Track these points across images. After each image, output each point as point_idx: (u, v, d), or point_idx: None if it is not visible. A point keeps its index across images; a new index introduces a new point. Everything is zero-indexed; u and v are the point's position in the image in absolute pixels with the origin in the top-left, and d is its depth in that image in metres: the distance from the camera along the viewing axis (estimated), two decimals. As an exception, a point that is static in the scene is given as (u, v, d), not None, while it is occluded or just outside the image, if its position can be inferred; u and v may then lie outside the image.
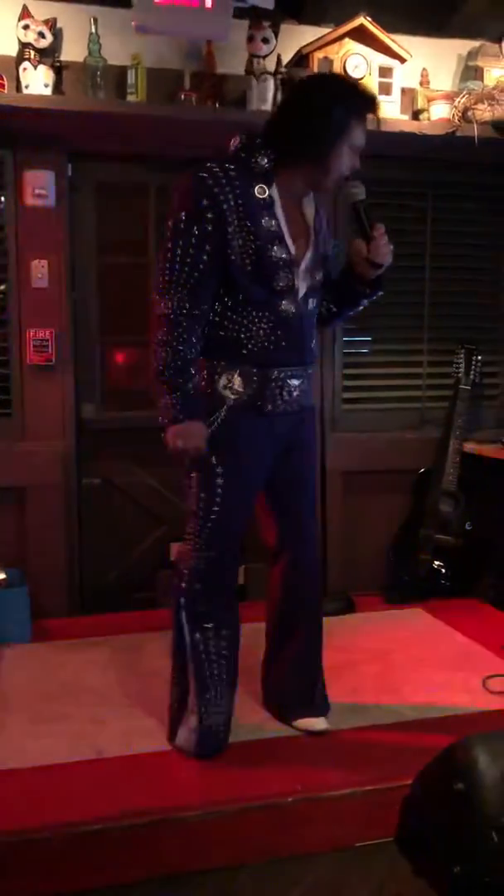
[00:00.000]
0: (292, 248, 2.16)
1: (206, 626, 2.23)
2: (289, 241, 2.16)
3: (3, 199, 3.27)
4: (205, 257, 2.06)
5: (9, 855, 1.91)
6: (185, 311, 2.06)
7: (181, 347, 2.06)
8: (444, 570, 3.59)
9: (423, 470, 3.69)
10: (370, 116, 2.18)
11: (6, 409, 3.35)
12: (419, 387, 3.84)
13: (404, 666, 2.87)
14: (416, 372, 3.84)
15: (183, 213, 2.06)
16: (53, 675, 2.80)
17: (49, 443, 3.36)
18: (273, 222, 2.13)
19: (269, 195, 2.13)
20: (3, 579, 3.13)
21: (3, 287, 3.31)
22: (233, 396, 2.18)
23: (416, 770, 2.08)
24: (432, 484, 3.62)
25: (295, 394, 2.26)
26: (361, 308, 2.47)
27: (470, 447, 3.59)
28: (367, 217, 2.24)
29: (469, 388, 3.61)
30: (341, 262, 2.37)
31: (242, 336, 2.17)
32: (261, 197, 2.11)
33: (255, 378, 2.18)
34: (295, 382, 2.26)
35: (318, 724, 2.40)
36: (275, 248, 2.12)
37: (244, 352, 2.17)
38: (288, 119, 2.14)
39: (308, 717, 2.41)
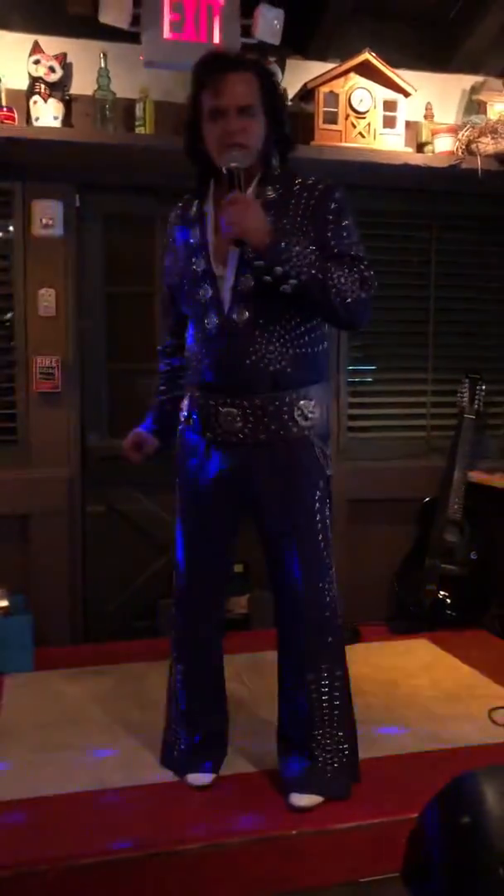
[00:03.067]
0: (212, 259, 2.05)
1: (174, 653, 2.29)
2: (211, 251, 2.06)
3: (11, 228, 3.30)
4: (165, 289, 2.28)
5: (5, 888, 1.88)
6: (162, 346, 2.38)
7: (159, 383, 2.39)
8: (449, 600, 3.56)
9: (428, 499, 3.68)
10: (217, 81, 1.98)
11: (12, 436, 3.36)
12: (424, 416, 3.85)
13: (410, 697, 2.84)
14: (420, 401, 3.84)
15: None
16: (55, 704, 2.78)
17: (54, 470, 3.36)
18: (197, 235, 2.09)
19: (202, 209, 2.11)
20: (6, 607, 3.11)
21: (10, 315, 3.34)
22: (182, 421, 2.22)
23: (422, 803, 2.06)
24: (437, 513, 3.61)
25: (237, 425, 2.06)
26: (295, 291, 1.97)
27: (475, 476, 3.58)
28: (236, 185, 1.96)
29: (473, 417, 3.62)
30: None
31: (189, 357, 2.19)
32: (192, 213, 2.14)
33: (195, 403, 2.14)
34: (230, 411, 2.05)
35: (297, 799, 2.11)
36: (194, 259, 2.09)
37: (190, 375, 2.20)
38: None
39: (292, 792, 2.13)
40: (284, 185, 2.06)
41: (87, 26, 3.12)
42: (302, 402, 2.08)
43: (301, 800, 2.11)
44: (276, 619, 2.23)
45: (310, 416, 2.10)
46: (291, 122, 3.25)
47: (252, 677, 2.62)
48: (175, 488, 2.28)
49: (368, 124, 3.33)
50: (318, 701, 2.13)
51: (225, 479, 2.12)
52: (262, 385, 2.04)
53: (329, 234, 2.01)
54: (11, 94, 3.11)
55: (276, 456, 2.09)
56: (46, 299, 3.31)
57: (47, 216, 3.28)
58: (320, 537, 2.13)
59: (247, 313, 2.02)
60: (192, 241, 2.12)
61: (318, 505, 2.12)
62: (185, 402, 2.20)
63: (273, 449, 2.08)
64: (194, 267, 2.09)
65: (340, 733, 2.16)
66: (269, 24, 3.09)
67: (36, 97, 3.06)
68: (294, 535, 2.11)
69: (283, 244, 1.92)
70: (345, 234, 2.03)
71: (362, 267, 2.01)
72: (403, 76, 3.34)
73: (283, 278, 1.93)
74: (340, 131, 3.31)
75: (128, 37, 3.07)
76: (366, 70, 3.29)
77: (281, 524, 2.12)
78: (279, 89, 2.14)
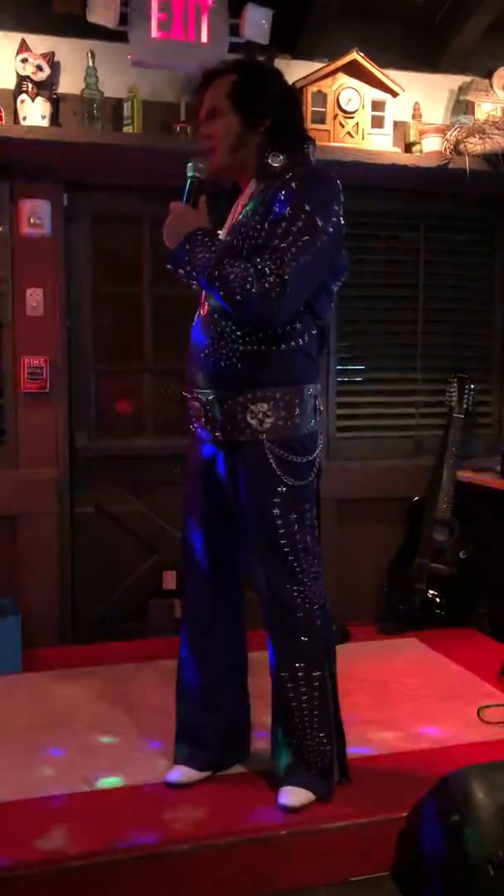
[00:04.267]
0: None
1: (182, 651, 2.27)
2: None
3: (-1, 228, 3.29)
4: None
5: (-4, 890, 1.87)
6: None
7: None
8: (438, 600, 3.57)
9: (417, 498, 3.68)
10: (200, 94, 2.09)
11: (0, 436, 3.34)
12: (413, 415, 3.86)
13: (399, 696, 2.84)
14: (409, 401, 3.85)
15: None
16: (44, 706, 2.76)
17: (42, 471, 3.35)
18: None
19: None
20: (-5, 608, 3.10)
21: (-3, 315, 3.32)
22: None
23: (412, 802, 2.06)
24: (426, 512, 3.61)
25: (201, 420, 2.05)
26: (199, 287, 2.03)
27: (464, 476, 3.59)
28: (188, 194, 2.03)
29: (462, 416, 3.62)
30: None
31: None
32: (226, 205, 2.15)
33: (186, 395, 2.17)
34: (194, 405, 2.07)
35: (285, 796, 2.09)
36: None
37: None
38: None
39: (280, 787, 2.12)
40: (280, 179, 1.99)
41: (74, 25, 3.11)
42: (256, 405, 2.00)
43: (287, 797, 2.09)
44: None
45: (265, 420, 2.00)
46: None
47: (249, 677, 2.61)
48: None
49: (357, 124, 3.34)
50: (296, 700, 2.09)
51: (202, 472, 2.15)
52: (214, 382, 2.02)
53: (266, 223, 1.95)
54: (-2, 92, 3.10)
55: (235, 458, 2.06)
56: (35, 299, 3.29)
57: (35, 215, 3.26)
58: (283, 542, 2.04)
59: (206, 307, 2.04)
60: None
61: (276, 512, 2.03)
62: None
63: (232, 450, 2.06)
64: None
65: (321, 734, 2.11)
66: (256, 24, 3.10)
67: (23, 96, 3.05)
68: (255, 542, 2.09)
69: (185, 247, 1.95)
70: (282, 224, 1.92)
71: (267, 258, 1.88)
72: (391, 76, 3.35)
73: (188, 279, 1.98)
74: (328, 131, 3.31)
75: (116, 36, 3.07)
76: (354, 70, 3.30)
77: (243, 529, 2.13)
78: (266, 81, 2.07)
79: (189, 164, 2.05)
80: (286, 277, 1.87)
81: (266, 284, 1.87)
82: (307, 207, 1.93)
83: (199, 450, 2.16)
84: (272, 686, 2.18)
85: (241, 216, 2.05)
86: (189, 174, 2.04)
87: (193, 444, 2.18)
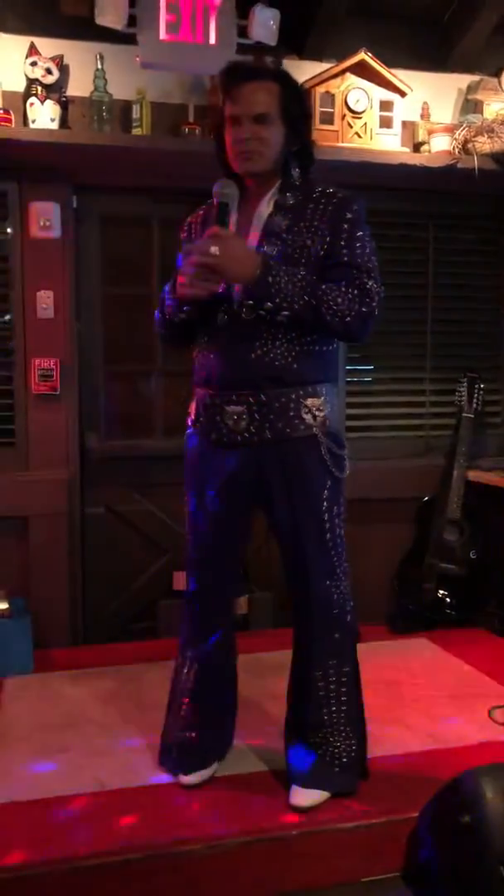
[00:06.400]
0: None
1: (180, 654, 2.30)
2: None
3: (9, 230, 3.30)
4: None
5: (5, 890, 1.88)
6: None
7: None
8: (449, 600, 3.56)
9: (427, 498, 3.68)
10: (235, 89, 2.04)
11: (10, 437, 3.36)
12: (422, 415, 3.85)
13: (409, 696, 2.84)
14: (419, 400, 3.85)
15: None
16: (55, 706, 2.78)
17: (52, 472, 3.36)
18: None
19: (226, 204, 2.05)
20: (6, 609, 3.11)
21: (8, 317, 3.33)
22: (189, 421, 2.22)
23: (422, 802, 2.06)
24: (436, 512, 3.61)
25: (242, 424, 2.06)
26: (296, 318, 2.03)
27: (474, 475, 3.58)
28: (218, 219, 2.02)
29: (472, 416, 3.62)
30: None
31: (195, 355, 2.18)
32: (213, 208, 2.10)
33: (204, 402, 2.13)
34: (236, 409, 2.05)
35: (300, 796, 2.12)
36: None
37: (197, 373, 2.18)
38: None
39: (294, 786, 2.15)
40: (304, 193, 2.09)
41: (83, 28, 3.12)
42: (309, 400, 2.08)
43: (301, 797, 2.11)
44: (292, 617, 2.24)
45: (317, 414, 2.09)
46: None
47: (251, 678, 2.61)
48: (183, 493, 2.27)
49: (365, 124, 3.33)
50: (326, 697, 2.15)
51: (233, 480, 2.12)
52: (267, 380, 2.04)
53: (342, 244, 2.03)
54: (8, 96, 3.11)
55: (283, 454, 2.08)
56: (44, 301, 3.30)
57: (44, 218, 3.27)
58: (328, 537, 2.13)
59: (256, 310, 2.02)
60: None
61: (325, 505, 2.12)
62: (193, 404, 2.21)
63: (280, 447, 2.08)
64: None
65: (348, 728, 2.17)
66: (264, 25, 3.10)
67: (33, 99, 3.06)
68: (300, 535, 2.12)
69: (269, 279, 1.95)
70: (357, 245, 2.04)
71: (365, 279, 2.01)
72: (399, 76, 3.35)
73: (276, 311, 1.98)
74: (337, 131, 3.31)
75: (124, 38, 3.07)
76: (362, 70, 3.29)
77: (287, 524, 2.13)
78: (303, 100, 2.14)
79: (219, 189, 2.04)
80: (380, 296, 2.04)
81: (374, 303, 2.02)
82: (368, 232, 2.08)
83: (221, 456, 2.11)
84: (299, 685, 2.20)
85: (273, 226, 2.07)
86: (223, 199, 2.03)
87: (214, 450, 2.13)
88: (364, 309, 2.00)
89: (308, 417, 2.07)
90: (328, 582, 2.14)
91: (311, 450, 2.09)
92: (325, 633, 2.15)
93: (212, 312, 2.09)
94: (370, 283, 2.01)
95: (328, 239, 2.03)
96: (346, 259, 2.02)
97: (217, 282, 1.98)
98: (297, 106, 2.09)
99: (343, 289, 1.99)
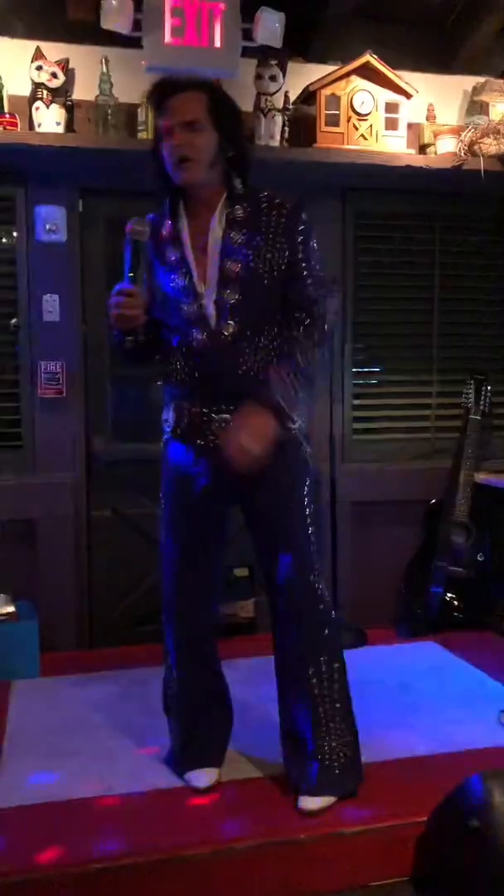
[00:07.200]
0: (195, 276, 2.12)
1: (167, 659, 2.33)
2: (192, 268, 2.12)
3: (15, 234, 3.31)
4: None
5: (13, 893, 1.87)
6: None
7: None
8: (456, 602, 3.55)
9: (434, 501, 3.67)
10: (165, 102, 2.08)
11: (17, 441, 3.36)
12: (429, 417, 3.84)
13: (417, 700, 2.83)
14: (425, 402, 3.84)
15: None
16: (62, 710, 2.78)
17: (59, 475, 3.36)
18: (176, 253, 2.15)
19: (177, 227, 2.16)
20: (12, 612, 3.11)
21: (15, 321, 3.34)
22: (167, 431, 2.24)
23: (431, 807, 2.05)
24: (444, 515, 3.60)
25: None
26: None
27: (481, 477, 3.57)
28: (131, 260, 2.11)
29: (479, 417, 3.61)
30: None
31: (168, 369, 2.22)
32: (167, 231, 2.17)
33: (183, 413, 2.18)
34: (224, 417, 2.11)
35: (309, 802, 2.13)
36: (174, 276, 2.14)
37: (171, 386, 2.22)
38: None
39: (302, 795, 2.15)
40: (252, 204, 2.13)
41: (88, 32, 3.13)
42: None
43: (312, 803, 2.12)
44: (273, 620, 2.25)
45: (296, 417, 2.17)
46: (293, 125, 3.32)
47: (256, 681, 2.61)
48: (160, 500, 2.30)
49: (370, 126, 3.33)
50: (321, 695, 2.16)
51: (217, 484, 2.16)
52: (254, 392, 2.08)
53: (299, 256, 2.12)
54: (14, 100, 3.12)
55: (269, 458, 2.10)
56: (51, 305, 3.31)
57: (50, 221, 3.28)
58: (310, 532, 2.18)
59: (233, 326, 2.10)
60: (171, 257, 2.16)
61: (306, 500, 2.19)
62: (170, 414, 2.23)
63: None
64: (174, 283, 2.14)
65: (343, 725, 2.19)
66: (269, 28, 3.09)
67: (38, 103, 3.07)
68: (287, 534, 2.17)
69: (286, 413, 2.08)
70: (312, 258, 2.15)
71: (332, 294, 2.22)
72: (405, 78, 3.35)
73: (312, 395, 2.27)
74: (342, 133, 3.31)
75: (129, 42, 3.08)
76: (367, 72, 3.30)
77: (274, 525, 2.18)
78: (233, 108, 2.16)
79: (132, 228, 2.09)
80: (330, 299, 2.18)
81: (323, 309, 2.16)
82: (314, 237, 2.18)
83: (206, 460, 2.15)
84: (292, 685, 2.20)
85: (230, 242, 2.10)
86: (136, 238, 2.09)
87: (196, 468, 2.18)
88: (322, 335, 2.14)
89: (288, 422, 2.13)
90: (312, 577, 2.17)
91: (294, 451, 2.18)
92: (317, 631, 2.17)
93: (184, 331, 2.14)
94: (322, 292, 2.15)
95: (287, 252, 2.11)
96: (304, 273, 2.13)
97: (140, 309, 2.09)
98: (226, 112, 2.12)
99: (302, 333, 2.11)
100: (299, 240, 2.12)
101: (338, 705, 2.19)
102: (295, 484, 2.18)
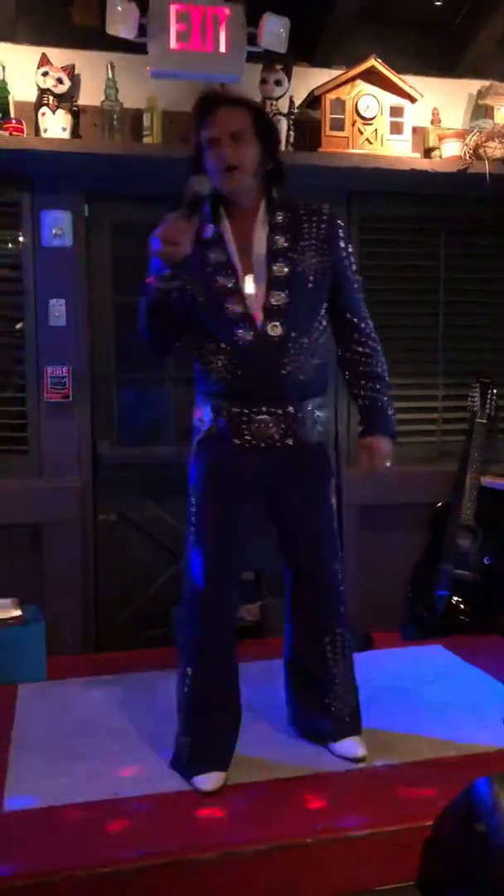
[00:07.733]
0: (240, 276, 2.21)
1: (185, 657, 2.36)
2: (238, 270, 2.22)
3: (21, 238, 3.32)
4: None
5: (22, 898, 1.88)
6: None
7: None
8: (462, 606, 3.54)
9: (439, 504, 3.67)
10: (212, 113, 2.19)
11: (23, 445, 3.37)
12: (435, 420, 3.84)
13: (423, 704, 2.82)
14: (431, 406, 3.83)
15: None
16: (69, 714, 2.78)
17: (65, 479, 3.37)
18: (220, 254, 2.23)
19: (219, 230, 2.26)
20: (19, 616, 3.12)
21: (21, 325, 3.35)
22: (203, 429, 2.29)
23: (437, 811, 2.05)
24: (449, 518, 3.59)
25: (268, 431, 2.23)
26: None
27: (487, 481, 3.57)
28: (188, 207, 2.13)
29: (485, 421, 3.60)
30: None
31: (208, 369, 2.26)
32: (210, 233, 2.26)
33: (222, 412, 2.23)
34: (265, 419, 2.21)
35: (349, 747, 2.38)
36: (219, 277, 2.21)
37: (211, 385, 2.26)
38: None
39: (343, 739, 2.40)
40: (290, 210, 2.27)
41: (93, 37, 3.14)
42: (318, 413, 2.31)
43: (353, 748, 2.38)
44: (293, 596, 2.45)
45: (325, 423, 2.35)
46: (298, 129, 3.33)
47: (263, 685, 2.61)
48: (190, 496, 2.35)
49: (375, 130, 3.34)
50: (334, 659, 2.41)
51: (252, 482, 2.27)
52: (294, 394, 2.23)
53: (345, 265, 2.31)
54: (20, 105, 3.13)
55: (300, 459, 2.28)
56: (57, 309, 3.32)
57: (56, 226, 3.29)
58: (335, 524, 2.43)
59: (280, 328, 2.19)
60: (214, 258, 2.23)
61: (333, 498, 2.41)
62: (206, 412, 2.29)
63: (298, 453, 2.27)
64: (219, 283, 2.21)
65: (349, 683, 2.45)
66: (274, 33, 3.10)
67: (44, 109, 3.08)
68: (315, 525, 2.35)
69: (393, 429, 2.44)
70: (353, 266, 2.35)
71: (365, 313, 2.39)
72: (409, 82, 3.35)
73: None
74: (347, 138, 3.31)
75: (134, 47, 3.09)
76: (372, 76, 3.30)
77: (303, 519, 2.34)
78: (272, 125, 2.32)
79: (195, 181, 2.14)
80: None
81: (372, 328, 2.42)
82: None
83: (243, 459, 2.24)
84: (310, 653, 2.42)
85: (276, 245, 2.23)
86: (199, 189, 2.13)
87: (232, 466, 2.25)
88: (381, 352, 2.41)
89: (319, 427, 2.32)
90: (337, 565, 2.42)
91: (321, 454, 2.37)
92: (335, 606, 2.41)
93: (228, 330, 2.19)
94: (367, 317, 2.39)
95: (330, 257, 2.26)
96: (354, 284, 2.34)
97: (189, 236, 2.10)
98: (267, 128, 2.26)
99: (367, 345, 2.37)
100: (341, 245, 2.28)
101: (346, 671, 2.45)
102: (321, 486, 2.36)
